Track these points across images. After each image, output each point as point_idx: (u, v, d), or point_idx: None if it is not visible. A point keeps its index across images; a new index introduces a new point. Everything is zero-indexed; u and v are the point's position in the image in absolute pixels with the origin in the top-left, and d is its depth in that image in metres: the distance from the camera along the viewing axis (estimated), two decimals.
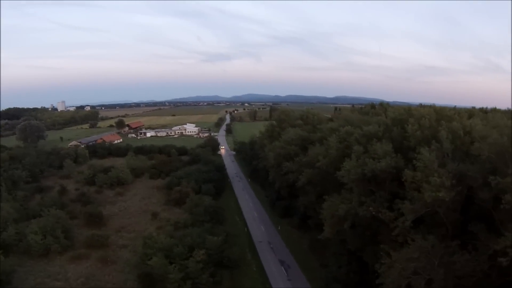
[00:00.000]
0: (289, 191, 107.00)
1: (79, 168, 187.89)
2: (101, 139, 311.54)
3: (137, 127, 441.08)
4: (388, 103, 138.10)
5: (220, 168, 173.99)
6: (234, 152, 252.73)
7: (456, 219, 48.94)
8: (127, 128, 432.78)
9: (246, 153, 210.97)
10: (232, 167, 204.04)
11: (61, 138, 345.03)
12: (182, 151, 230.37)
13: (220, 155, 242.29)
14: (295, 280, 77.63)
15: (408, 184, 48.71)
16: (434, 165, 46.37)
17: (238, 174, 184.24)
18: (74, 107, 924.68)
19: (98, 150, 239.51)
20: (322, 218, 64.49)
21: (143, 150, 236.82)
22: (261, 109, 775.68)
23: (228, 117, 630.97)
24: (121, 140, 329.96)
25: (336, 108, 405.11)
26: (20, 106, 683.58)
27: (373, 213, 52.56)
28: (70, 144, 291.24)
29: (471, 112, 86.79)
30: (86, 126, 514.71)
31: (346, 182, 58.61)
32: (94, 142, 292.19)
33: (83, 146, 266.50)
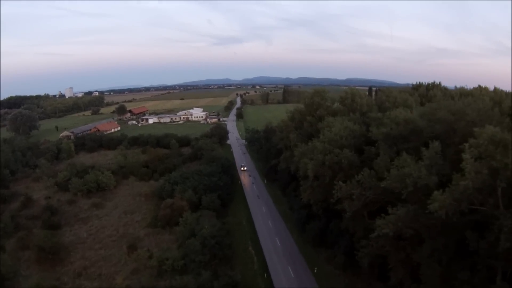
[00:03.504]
0: (326, 207, 72.40)
1: (57, 167, 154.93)
2: (95, 128, 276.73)
3: (140, 113, 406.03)
4: (429, 84, 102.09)
5: (228, 168, 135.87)
6: (245, 142, 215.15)
7: None
8: (129, 114, 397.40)
9: (260, 143, 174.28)
10: (243, 162, 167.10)
11: (57, 127, 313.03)
12: (184, 142, 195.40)
13: (228, 147, 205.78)
14: None
15: None
16: None
17: (251, 172, 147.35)
18: (83, 93, 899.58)
19: (87, 143, 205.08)
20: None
21: (139, 142, 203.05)
22: (273, 91, 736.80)
23: (239, 100, 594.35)
24: (119, 128, 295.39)
25: (370, 89, 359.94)
26: (28, 94, 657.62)
27: None
28: (61, 135, 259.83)
29: None
30: (88, 113, 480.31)
31: None
32: (87, 132, 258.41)
33: (72, 138, 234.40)
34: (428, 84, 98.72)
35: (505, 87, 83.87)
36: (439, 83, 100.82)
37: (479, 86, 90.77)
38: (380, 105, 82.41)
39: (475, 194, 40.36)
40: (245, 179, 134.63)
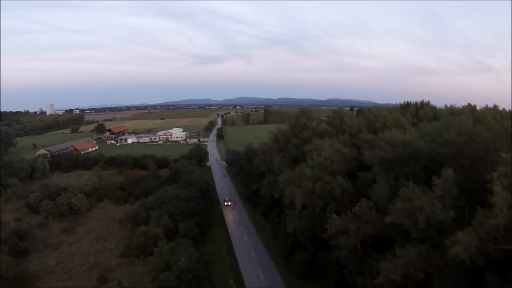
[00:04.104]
0: (313, 236, 67.72)
1: (30, 187, 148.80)
2: (72, 146, 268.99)
3: (119, 132, 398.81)
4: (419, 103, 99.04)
5: (207, 192, 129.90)
6: (226, 163, 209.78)
7: None
8: (108, 133, 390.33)
9: (241, 166, 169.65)
10: (223, 185, 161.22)
11: (34, 145, 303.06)
12: (163, 163, 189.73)
13: (208, 168, 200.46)
14: None
15: None
16: None
17: (231, 196, 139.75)
18: (63, 111, 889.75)
19: (63, 162, 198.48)
20: None
21: (116, 162, 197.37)
22: (254, 112, 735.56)
23: (219, 120, 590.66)
24: (97, 147, 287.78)
25: (351, 109, 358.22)
26: (8, 110, 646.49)
27: None
28: (37, 153, 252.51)
29: None
30: (68, 131, 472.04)
31: None
32: (64, 151, 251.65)
33: (49, 156, 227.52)
34: (417, 103, 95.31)
35: (484, 104, 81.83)
36: (428, 102, 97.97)
37: (469, 104, 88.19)
38: (369, 126, 78.46)
39: (504, 232, 35.38)
40: (229, 215, 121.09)
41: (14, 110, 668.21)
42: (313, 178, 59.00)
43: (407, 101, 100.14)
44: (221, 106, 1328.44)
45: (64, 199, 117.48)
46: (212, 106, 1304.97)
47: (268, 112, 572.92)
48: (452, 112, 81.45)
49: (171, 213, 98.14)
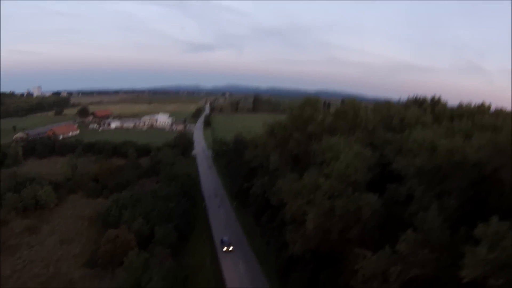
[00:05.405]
0: (315, 250, 55.37)
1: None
2: (51, 130, 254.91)
3: (103, 116, 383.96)
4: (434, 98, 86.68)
5: (190, 188, 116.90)
6: (212, 153, 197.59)
7: None
8: (91, 117, 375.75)
9: (229, 157, 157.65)
10: (208, 178, 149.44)
11: (14, 128, 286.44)
12: (144, 151, 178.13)
13: (193, 159, 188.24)
14: None
15: None
16: None
17: (217, 191, 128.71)
18: (51, 93, 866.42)
19: (38, 147, 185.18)
20: None
21: (94, 149, 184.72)
22: (243, 100, 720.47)
23: (207, 107, 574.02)
24: (77, 132, 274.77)
25: (343, 101, 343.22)
26: None
27: None
28: (14, 136, 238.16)
29: None
30: (52, 113, 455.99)
31: None
32: (42, 135, 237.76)
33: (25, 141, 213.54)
34: (433, 98, 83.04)
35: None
36: (440, 97, 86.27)
37: (483, 104, 76.98)
38: (385, 122, 66.36)
39: None
40: (213, 215, 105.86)
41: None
42: (330, 191, 46.42)
43: (418, 96, 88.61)
44: (209, 92, 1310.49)
45: (30, 192, 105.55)
46: (201, 92, 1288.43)
47: (257, 100, 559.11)
48: (468, 111, 70.08)
49: (146, 214, 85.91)
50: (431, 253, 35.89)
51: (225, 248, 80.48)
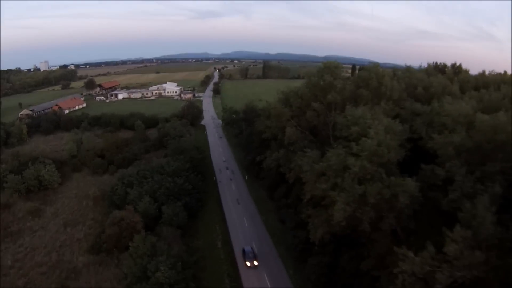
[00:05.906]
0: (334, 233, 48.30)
1: (3, 156, 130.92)
2: (57, 105, 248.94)
3: (111, 87, 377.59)
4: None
5: (200, 161, 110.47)
6: (222, 122, 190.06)
7: None
8: (98, 89, 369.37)
9: (239, 127, 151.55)
10: (219, 149, 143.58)
11: (20, 104, 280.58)
12: (152, 123, 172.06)
13: (203, 128, 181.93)
14: None
15: None
16: None
17: (228, 164, 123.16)
18: (58, 67, 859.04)
19: (43, 124, 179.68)
20: None
21: (101, 122, 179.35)
22: (252, 66, 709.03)
23: (216, 74, 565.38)
24: (84, 105, 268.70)
25: (354, 67, 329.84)
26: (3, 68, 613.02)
27: None
28: (20, 113, 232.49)
29: None
30: (58, 87, 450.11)
31: None
32: (48, 110, 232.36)
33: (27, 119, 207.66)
34: (454, 65, 75.81)
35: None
36: (460, 64, 79.06)
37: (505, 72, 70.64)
38: (407, 91, 59.13)
39: None
40: (225, 189, 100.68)
41: (6, 68, 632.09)
42: (361, 174, 39.46)
43: (438, 62, 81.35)
44: (218, 60, 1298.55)
45: (32, 172, 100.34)
46: (209, 60, 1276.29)
47: (267, 67, 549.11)
48: (493, 81, 63.36)
49: (153, 192, 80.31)
50: (481, 253, 29.87)
51: (249, 264, 64.02)
